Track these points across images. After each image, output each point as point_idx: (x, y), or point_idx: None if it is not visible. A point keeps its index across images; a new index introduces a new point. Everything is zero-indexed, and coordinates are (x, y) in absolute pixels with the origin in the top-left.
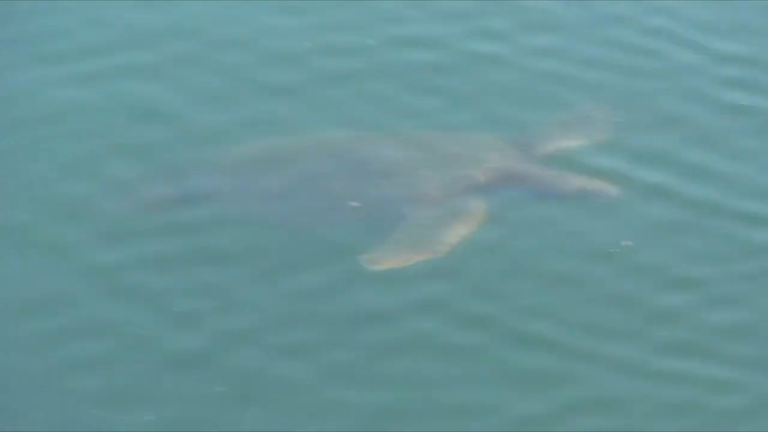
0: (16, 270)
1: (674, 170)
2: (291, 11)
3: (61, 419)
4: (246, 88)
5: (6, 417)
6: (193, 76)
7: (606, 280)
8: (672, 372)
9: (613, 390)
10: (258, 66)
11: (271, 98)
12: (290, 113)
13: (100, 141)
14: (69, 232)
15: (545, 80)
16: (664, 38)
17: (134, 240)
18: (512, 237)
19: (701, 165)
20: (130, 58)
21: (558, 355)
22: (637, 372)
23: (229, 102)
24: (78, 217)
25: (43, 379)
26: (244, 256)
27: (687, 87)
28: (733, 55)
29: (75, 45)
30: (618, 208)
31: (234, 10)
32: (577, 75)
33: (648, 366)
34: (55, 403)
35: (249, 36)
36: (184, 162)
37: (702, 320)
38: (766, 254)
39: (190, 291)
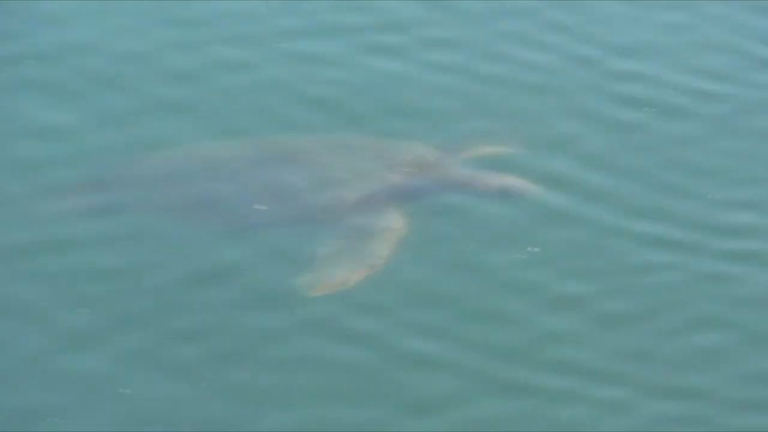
0: None
1: (569, 189)
2: (186, 25)
3: None
4: (144, 104)
5: None
6: (88, 92)
7: (497, 298)
8: (560, 392)
9: (501, 410)
10: (155, 82)
11: (167, 114)
12: (192, 129)
13: None
14: None
15: (443, 96)
16: (557, 54)
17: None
18: (409, 255)
19: (594, 184)
20: (30, 72)
21: (448, 374)
22: (525, 392)
23: (127, 118)
24: None
25: None
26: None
27: (581, 105)
28: (627, 73)
29: None
30: (514, 226)
31: (130, 24)
32: (473, 91)
33: (536, 386)
34: None
35: (146, 51)
36: (99, 149)
37: (590, 339)
38: (653, 272)
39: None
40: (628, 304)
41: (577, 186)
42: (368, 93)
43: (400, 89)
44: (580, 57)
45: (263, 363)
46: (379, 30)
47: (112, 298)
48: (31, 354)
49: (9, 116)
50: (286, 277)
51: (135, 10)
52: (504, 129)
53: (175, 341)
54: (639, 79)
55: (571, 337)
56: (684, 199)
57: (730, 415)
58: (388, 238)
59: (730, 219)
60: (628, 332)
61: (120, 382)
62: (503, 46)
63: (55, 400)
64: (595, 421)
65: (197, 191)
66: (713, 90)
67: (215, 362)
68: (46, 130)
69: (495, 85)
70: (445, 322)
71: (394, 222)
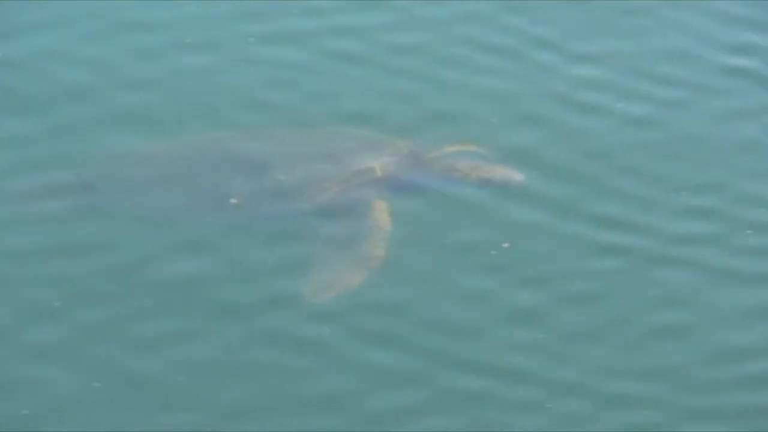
0: None
1: (536, 170)
2: (154, 7)
3: None
4: (110, 82)
5: None
6: (57, 70)
7: (465, 278)
8: (519, 371)
9: (464, 388)
10: (121, 60)
11: (134, 93)
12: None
13: None
14: None
15: (401, 101)
16: (521, 38)
17: None
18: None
19: (561, 166)
20: None
21: (411, 353)
22: (487, 371)
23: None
24: None
25: None
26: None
27: (544, 88)
28: (588, 56)
29: None
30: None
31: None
32: (431, 96)
33: (498, 365)
34: None
35: (106, 58)
36: (58, 156)
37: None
38: (616, 255)
39: (48, 282)
40: (583, 314)
41: (532, 191)
42: (326, 98)
43: (359, 94)
44: (537, 63)
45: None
46: (338, 35)
47: (76, 277)
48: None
49: None
50: (273, 279)
51: (95, 17)
52: (463, 134)
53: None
54: (596, 85)
55: (530, 347)
56: (639, 205)
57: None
58: (379, 235)
59: (686, 227)
60: (589, 344)
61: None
62: (460, 51)
63: (19, 374)
64: (553, 402)
65: (175, 187)
66: (671, 97)
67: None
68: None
69: (452, 90)
70: (405, 332)
71: (382, 218)
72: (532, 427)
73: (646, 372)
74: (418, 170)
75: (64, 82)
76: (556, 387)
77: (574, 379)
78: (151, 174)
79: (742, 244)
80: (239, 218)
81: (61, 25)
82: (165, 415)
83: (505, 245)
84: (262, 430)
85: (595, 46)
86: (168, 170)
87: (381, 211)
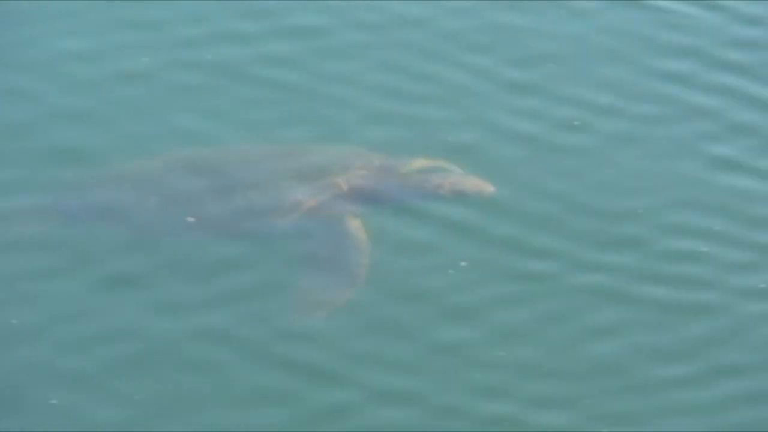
0: None
1: (465, 202)
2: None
3: None
4: (42, 113)
5: None
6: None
7: (383, 306)
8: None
9: (389, 387)
10: (55, 91)
11: (66, 124)
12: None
13: None
14: None
15: (340, 106)
16: (447, 64)
17: None
18: None
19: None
20: None
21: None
22: (413, 372)
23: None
24: None
25: None
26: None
27: (478, 116)
28: (521, 83)
29: None
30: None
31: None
32: (371, 101)
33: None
34: None
35: (46, 60)
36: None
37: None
38: (540, 281)
39: None
40: (522, 314)
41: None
42: (265, 103)
43: (296, 100)
44: (477, 68)
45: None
46: (276, 38)
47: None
48: None
49: None
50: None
51: (36, 20)
52: (404, 139)
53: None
54: (535, 90)
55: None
56: (576, 211)
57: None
58: (359, 252)
59: (622, 231)
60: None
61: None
62: (400, 57)
63: None
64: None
65: (144, 206)
66: (610, 103)
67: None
68: None
69: (392, 96)
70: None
71: (358, 235)
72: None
73: (572, 373)
74: (390, 184)
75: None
76: (481, 390)
77: (499, 381)
78: (121, 193)
79: (665, 247)
80: (209, 236)
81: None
82: (97, 412)
83: (463, 263)
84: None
85: (527, 73)
86: (139, 189)
87: (357, 228)
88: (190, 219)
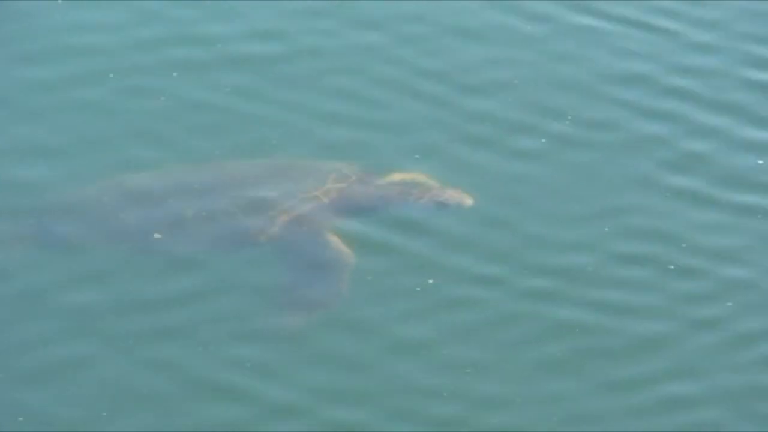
0: None
1: (418, 231)
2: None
3: None
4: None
5: None
6: None
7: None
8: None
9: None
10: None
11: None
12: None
13: None
14: None
15: (280, 128)
16: (400, 91)
17: None
18: None
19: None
20: None
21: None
22: (372, 403)
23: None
24: None
25: None
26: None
27: (428, 141)
28: (474, 111)
29: None
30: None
31: None
32: (313, 127)
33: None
34: None
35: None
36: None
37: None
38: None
39: None
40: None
41: (425, 227)
42: (214, 130)
43: (248, 126)
44: (430, 95)
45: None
46: (227, 64)
47: None
48: None
49: None
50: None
51: None
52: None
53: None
54: (488, 118)
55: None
56: (529, 243)
57: None
58: (341, 261)
59: (570, 261)
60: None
61: None
62: (347, 83)
63: None
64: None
65: (130, 221)
66: (561, 130)
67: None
68: None
69: (345, 122)
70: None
71: (338, 244)
72: None
73: (531, 402)
74: (372, 196)
75: None
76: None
77: (449, 383)
78: (99, 210)
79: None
80: (191, 251)
81: None
82: (56, 410)
83: (431, 281)
84: None
85: (483, 101)
86: (118, 206)
87: (337, 241)
88: (156, 236)
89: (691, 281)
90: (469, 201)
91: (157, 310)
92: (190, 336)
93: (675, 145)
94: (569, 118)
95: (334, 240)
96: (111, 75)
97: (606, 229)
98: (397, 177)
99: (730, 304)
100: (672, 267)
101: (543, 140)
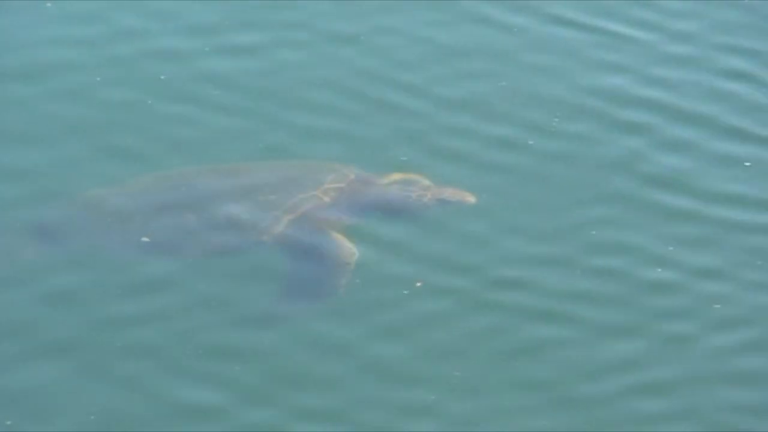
0: None
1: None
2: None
3: None
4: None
5: None
6: None
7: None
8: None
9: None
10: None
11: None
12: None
13: None
14: None
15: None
16: (380, 82)
17: None
18: None
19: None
20: None
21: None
22: (338, 388)
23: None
24: None
25: None
26: None
27: (409, 132)
28: (454, 101)
29: None
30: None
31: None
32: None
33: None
34: None
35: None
36: None
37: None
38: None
39: None
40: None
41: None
42: (200, 122)
43: (232, 119)
44: (410, 86)
45: None
46: (211, 56)
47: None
48: None
49: None
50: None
51: None
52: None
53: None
54: (468, 108)
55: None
56: (506, 230)
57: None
58: (343, 258)
59: (551, 249)
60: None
61: None
62: (321, 97)
63: None
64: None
65: (133, 224)
66: (542, 120)
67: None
68: None
69: (311, 136)
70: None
71: (342, 241)
72: None
73: (498, 390)
74: (373, 195)
75: None
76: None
77: (425, 400)
78: (103, 218)
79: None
80: (195, 255)
81: None
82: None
83: (419, 284)
84: None
85: (459, 90)
86: (123, 213)
87: (341, 239)
88: (144, 239)
89: (664, 296)
90: (471, 198)
91: (127, 327)
92: (158, 353)
93: (649, 158)
94: (543, 130)
95: (337, 236)
96: (85, 90)
97: (578, 243)
98: (395, 177)
99: (702, 319)
100: (644, 281)
101: (517, 153)
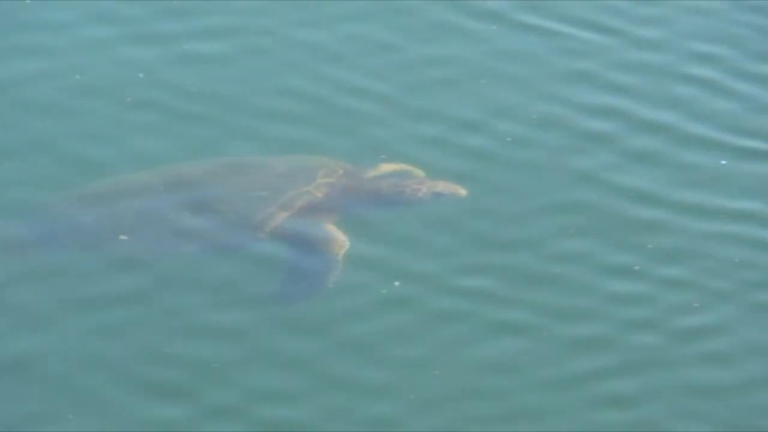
0: None
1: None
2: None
3: None
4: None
5: None
6: None
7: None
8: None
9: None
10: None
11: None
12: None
13: None
14: None
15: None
16: (342, 89)
17: None
18: None
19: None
20: None
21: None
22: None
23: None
24: None
25: None
26: None
27: (373, 141)
28: (419, 109)
29: None
30: None
31: None
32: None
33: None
34: None
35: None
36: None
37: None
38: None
39: None
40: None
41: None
42: (154, 128)
43: (189, 125)
44: (373, 92)
45: None
46: (167, 62)
47: None
48: None
49: None
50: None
51: None
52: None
53: None
54: (432, 116)
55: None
56: (469, 241)
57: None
58: (335, 252)
59: (515, 259)
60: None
61: None
62: (292, 82)
63: None
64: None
65: (119, 223)
66: (506, 129)
67: None
68: None
69: (283, 120)
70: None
71: (336, 234)
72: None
73: (470, 400)
74: (366, 189)
75: None
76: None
77: (389, 412)
78: (95, 211)
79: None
80: (185, 253)
81: None
82: None
83: (397, 283)
84: None
85: (428, 101)
86: (116, 209)
87: (335, 231)
88: (122, 237)
89: (629, 281)
90: (462, 191)
91: (101, 308)
92: (131, 334)
93: (620, 143)
94: (515, 116)
95: (330, 227)
96: (61, 75)
97: (549, 227)
98: (385, 168)
99: (667, 303)
100: (611, 266)
101: (489, 138)
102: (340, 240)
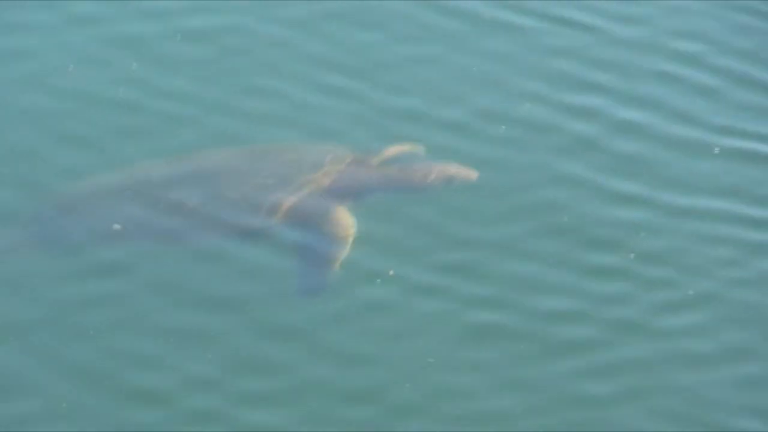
0: None
1: None
2: None
3: None
4: None
5: None
6: None
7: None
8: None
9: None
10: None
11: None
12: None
13: None
14: None
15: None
16: (316, 88)
17: None
18: None
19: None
20: None
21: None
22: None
23: None
24: None
25: None
26: None
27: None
28: (395, 109)
29: None
30: None
31: None
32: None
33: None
34: None
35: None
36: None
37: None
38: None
39: None
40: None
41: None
42: (122, 128)
43: (165, 125)
44: (350, 93)
45: None
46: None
47: None
48: None
49: None
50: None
51: None
52: None
53: None
54: (409, 116)
55: None
56: (439, 241)
57: None
58: (345, 244)
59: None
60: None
61: None
62: (266, 82)
63: None
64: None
65: (131, 212)
66: (481, 127)
67: None
68: None
69: (258, 122)
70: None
71: (345, 218)
72: None
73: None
74: (376, 176)
75: None
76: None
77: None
78: (103, 206)
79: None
80: (193, 243)
81: None
82: None
83: (390, 273)
84: None
85: (406, 99)
86: (122, 200)
87: (344, 216)
88: (116, 227)
89: (612, 282)
90: (474, 175)
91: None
92: (108, 338)
93: (600, 143)
94: (491, 115)
95: (338, 209)
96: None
97: (528, 227)
98: (391, 151)
99: (648, 303)
100: (593, 267)
101: (465, 137)
102: (348, 222)
